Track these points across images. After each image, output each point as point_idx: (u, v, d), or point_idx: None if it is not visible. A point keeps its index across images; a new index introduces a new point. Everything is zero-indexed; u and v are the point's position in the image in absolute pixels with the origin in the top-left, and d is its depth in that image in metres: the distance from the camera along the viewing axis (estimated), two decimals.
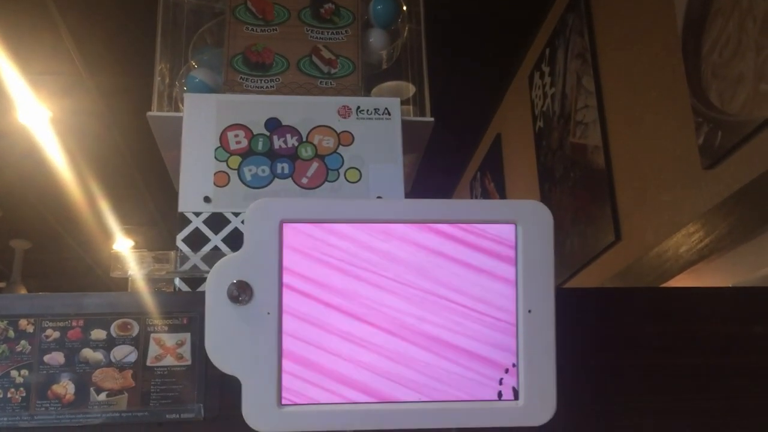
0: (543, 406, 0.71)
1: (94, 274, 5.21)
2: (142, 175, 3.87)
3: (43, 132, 3.29)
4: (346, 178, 0.98)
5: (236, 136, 0.97)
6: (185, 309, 0.82)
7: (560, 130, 2.43)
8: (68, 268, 5.16)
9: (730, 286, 1.75)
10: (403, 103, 1.11)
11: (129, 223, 4.55)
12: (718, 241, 1.54)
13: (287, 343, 0.70)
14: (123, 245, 4.78)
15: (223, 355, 0.70)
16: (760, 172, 1.40)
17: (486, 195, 3.31)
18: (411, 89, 1.18)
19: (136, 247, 4.81)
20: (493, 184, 3.21)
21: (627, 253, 1.97)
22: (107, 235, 4.59)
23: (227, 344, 0.70)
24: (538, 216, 0.72)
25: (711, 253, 1.56)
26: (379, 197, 0.97)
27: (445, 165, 3.70)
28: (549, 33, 2.52)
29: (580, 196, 2.25)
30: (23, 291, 4.70)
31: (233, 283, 0.69)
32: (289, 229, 0.71)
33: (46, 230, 4.48)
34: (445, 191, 4.07)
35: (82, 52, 2.82)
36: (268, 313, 0.70)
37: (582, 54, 2.25)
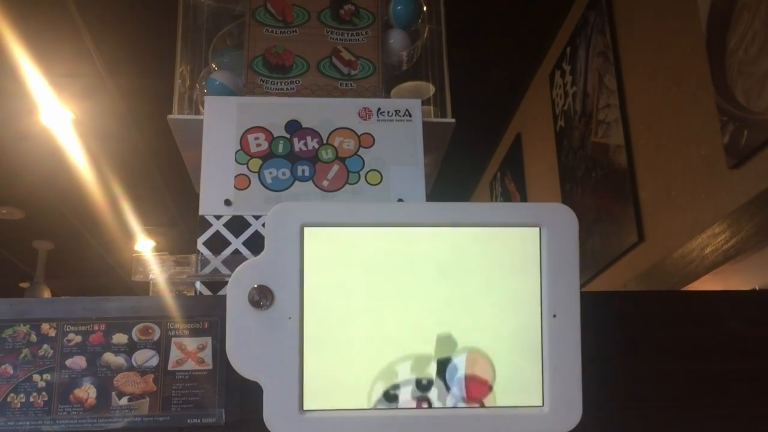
0: (569, 413, 0.70)
1: (116, 274, 5.25)
2: (163, 176, 3.89)
3: (65, 134, 3.32)
4: (366, 180, 0.97)
5: (257, 138, 0.97)
6: (206, 313, 0.82)
7: (582, 129, 2.40)
8: (90, 268, 5.20)
9: (757, 288, 1.72)
10: (423, 103, 1.10)
11: (150, 224, 4.58)
12: (744, 242, 1.51)
13: (309, 348, 0.70)
14: (144, 245, 4.82)
15: (244, 361, 0.69)
16: None
17: (506, 194, 3.29)
18: (431, 89, 1.17)
19: (157, 247, 4.85)
20: (513, 183, 3.18)
21: (650, 254, 1.94)
22: (128, 236, 4.62)
23: (248, 349, 0.69)
24: (563, 219, 0.71)
25: (737, 254, 1.53)
26: (400, 200, 0.96)
27: (464, 164, 3.68)
28: (570, 31, 2.50)
29: (602, 195, 2.23)
30: (46, 291, 4.75)
31: (254, 288, 0.69)
32: (310, 233, 0.70)
33: (69, 231, 4.52)
34: (464, 190, 4.05)
35: (102, 54, 2.84)
36: (290, 318, 0.69)
37: (604, 52, 2.23)
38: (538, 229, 0.71)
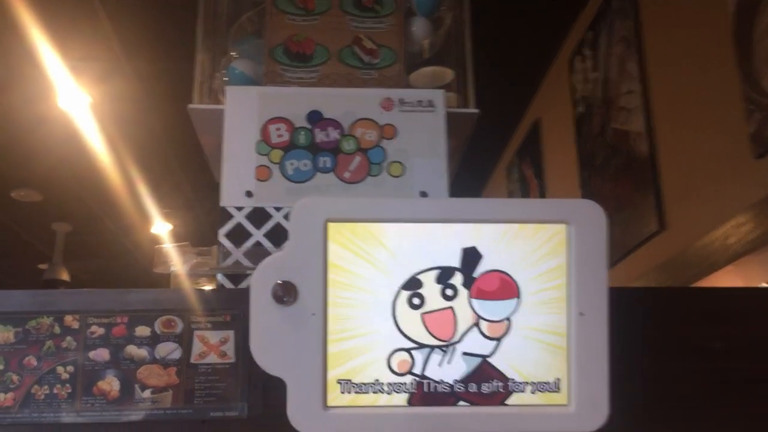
0: (595, 412, 0.69)
1: (133, 257, 5.28)
2: (179, 160, 3.90)
3: (83, 117, 3.33)
4: (389, 172, 0.96)
5: (278, 129, 0.96)
6: (228, 306, 0.81)
7: (602, 116, 2.37)
8: (108, 250, 5.24)
9: None
10: (443, 89, 1.09)
11: (167, 207, 4.60)
12: None
13: (332, 344, 0.69)
14: (161, 228, 4.84)
15: (267, 357, 0.69)
16: None
17: (524, 181, 3.26)
18: (450, 74, 1.16)
19: (174, 230, 4.87)
20: (531, 170, 3.16)
21: (671, 244, 1.92)
22: (145, 219, 4.65)
23: (272, 345, 0.69)
24: (592, 216, 0.69)
25: (762, 245, 1.51)
26: (422, 192, 0.95)
27: (481, 150, 3.65)
28: (592, 16, 2.46)
29: (622, 183, 2.20)
30: (64, 273, 4.79)
31: (278, 284, 0.68)
32: (334, 229, 0.69)
33: (87, 214, 4.55)
34: (481, 176, 4.03)
35: (120, 37, 2.84)
36: (313, 314, 0.69)
37: (626, 37, 2.19)
38: (565, 226, 0.69)
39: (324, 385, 0.69)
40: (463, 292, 0.69)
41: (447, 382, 0.69)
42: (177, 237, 4.94)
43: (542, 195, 3.01)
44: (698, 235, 1.76)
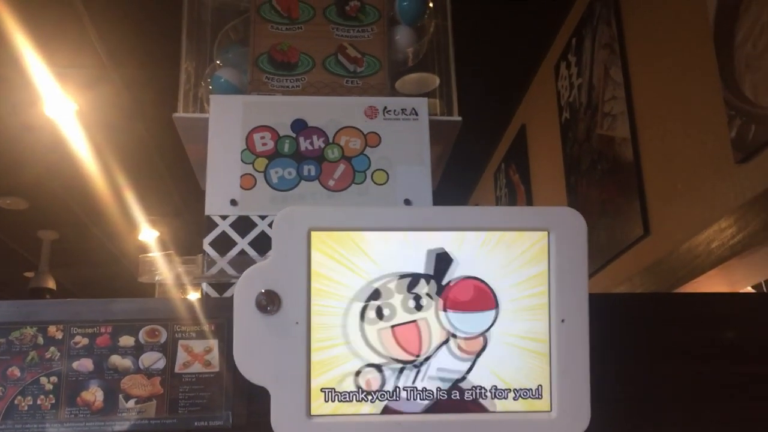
0: (577, 418, 0.69)
1: (120, 264, 5.26)
2: (167, 167, 3.89)
3: (69, 125, 3.31)
4: (373, 180, 0.96)
5: (262, 138, 0.96)
6: (213, 315, 0.81)
7: (587, 122, 2.39)
8: (94, 258, 5.22)
9: (763, 282, 1.71)
10: (429, 96, 1.09)
11: (154, 214, 4.58)
12: (752, 237, 1.51)
13: (316, 353, 0.69)
14: (148, 236, 4.82)
15: (251, 366, 0.69)
16: None
17: (511, 186, 3.28)
18: (436, 81, 1.16)
19: (161, 237, 4.85)
20: (518, 175, 3.17)
21: (656, 248, 1.93)
22: (132, 226, 4.63)
23: (255, 354, 0.69)
24: (572, 224, 0.70)
25: (744, 249, 1.53)
26: (406, 199, 0.95)
27: (469, 155, 3.67)
28: (576, 22, 2.48)
29: (608, 188, 2.22)
30: (51, 281, 4.76)
31: (261, 293, 0.69)
32: (317, 237, 0.70)
33: (73, 221, 4.53)
34: (468, 181, 4.04)
35: (106, 44, 2.83)
36: (297, 323, 0.69)
37: (610, 44, 2.21)
38: (546, 233, 0.70)
39: (308, 394, 0.69)
40: (435, 303, 0.69)
41: (422, 398, 0.69)
42: (164, 244, 4.93)
43: (529, 200, 3.03)
44: (682, 239, 1.77)
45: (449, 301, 0.69)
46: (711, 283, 1.71)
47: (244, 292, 0.69)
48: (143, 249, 4.93)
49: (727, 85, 1.57)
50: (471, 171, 3.92)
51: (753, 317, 0.86)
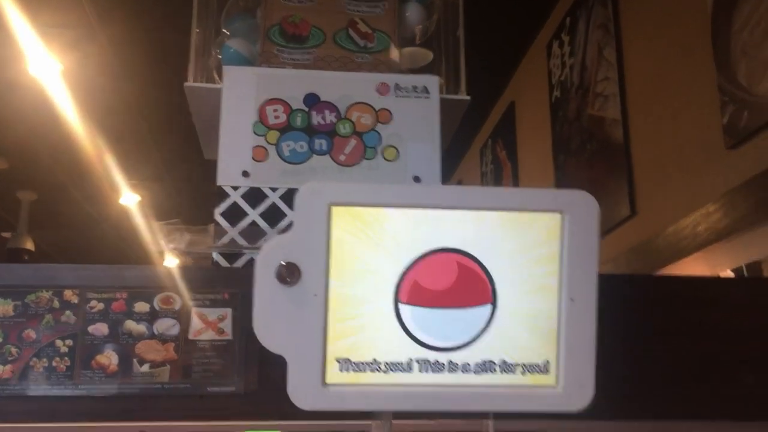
0: (581, 393, 0.72)
1: (100, 228, 5.23)
2: (151, 130, 3.85)
3: (53, 85, 3.26)
4: (383, 156, 0.98)
5: (275, 110, 0.97)
6: (227, 284, 0.83)
7: (578, 102, 2.41)
8: (74, 220, 5.18)
9: (743, 266, 1.76)
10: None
11: (135, 178, 4.54)
12: (737, 222, 1.55)
13: (332, 324, 0.71)
14: (129, 199, 4.79)
15: (270, 335, 0.71)
16: None
17: (497, 162, 3.30)
18: (429, 56, 1.17)
19: (143, 202, 4.82)
20: (505, 151, 3.20)
21: (643, 229, 1.98)
22: (114, 189, 4.59)
23: (274, 324, 0.71)
24: (586, 206, 0.72)
25: (729, 233, 1.57)
26: (416, 177, 0.97)
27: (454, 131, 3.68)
28: (570, 2, 2.49)
29: (597, 168, 2.25)
30: (29, 242, 4.72)
31: (282, 265, 0.70)
32: (337, 213, 0.71)
33: (53, 182, 4.48)
34: (453, 156, 4.06)
35: (94, 3, 2.79)
36: (315, 295, 0.71)
37: (604, 24, 2.23)
38: (560, 215, 0.72)
39: (323, 363, 0.71)
40: None
41: (434, 371, 0.72)
42: (145, 209, 4.89)
43: (515, 177, 3.06)
44: (669, 221, 1.81)
45: None
46: (694, 264, 1.75)
47: (265, 263, 0.70)
48: (124, 212, 4.90)
49: (721, 71, 1.60)
50: (456, 146, 3.94)
51: (743, 301, 0.90)
